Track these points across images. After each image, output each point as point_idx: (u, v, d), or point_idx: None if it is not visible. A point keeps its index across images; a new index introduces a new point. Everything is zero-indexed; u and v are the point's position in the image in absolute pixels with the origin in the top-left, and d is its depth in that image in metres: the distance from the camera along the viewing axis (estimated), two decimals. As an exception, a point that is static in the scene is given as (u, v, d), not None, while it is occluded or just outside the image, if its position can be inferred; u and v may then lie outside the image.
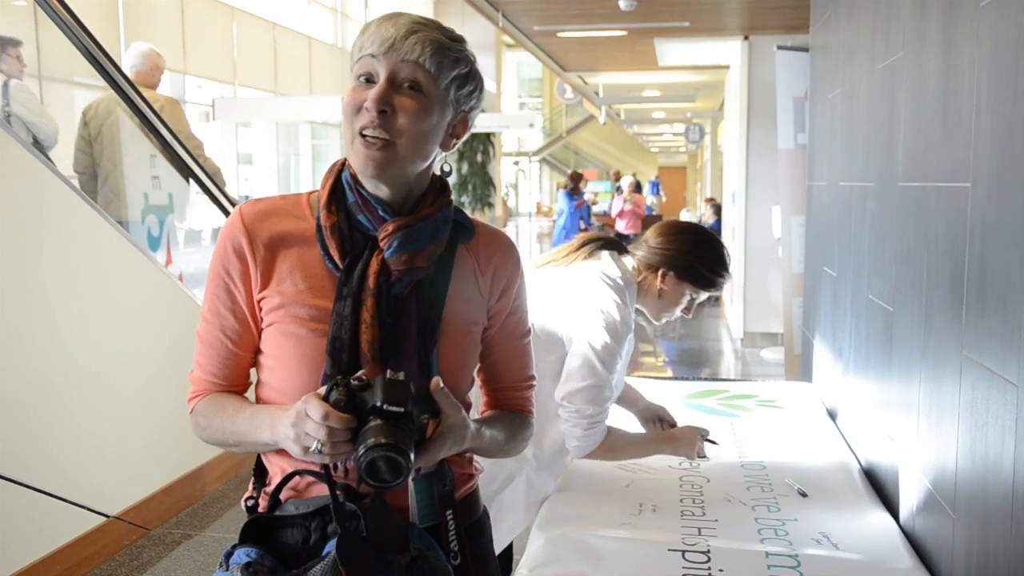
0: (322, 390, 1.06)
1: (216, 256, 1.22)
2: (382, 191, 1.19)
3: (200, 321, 1.24)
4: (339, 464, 1.16)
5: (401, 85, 1.13)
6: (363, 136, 1.13)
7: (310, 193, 1.26)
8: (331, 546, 1.09)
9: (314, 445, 1.03)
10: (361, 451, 1.00)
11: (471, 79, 1.20)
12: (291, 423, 1.05)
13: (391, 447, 0.99)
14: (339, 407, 1.03)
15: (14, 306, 2.90)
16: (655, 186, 21.15)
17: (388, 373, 1.06)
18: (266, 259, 1.20)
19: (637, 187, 13.66)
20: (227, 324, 1.22)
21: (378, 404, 1.02)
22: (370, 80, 1.14)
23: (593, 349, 1.90)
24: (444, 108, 1.17)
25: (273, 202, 1.24)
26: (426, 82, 1.14)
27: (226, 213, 4.47)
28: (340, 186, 1.22)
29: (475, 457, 1.34)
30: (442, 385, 1.10)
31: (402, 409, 1.02)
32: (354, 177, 1.21)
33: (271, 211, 1.22)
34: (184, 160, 4.10)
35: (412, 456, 1.02)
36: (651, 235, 2.17)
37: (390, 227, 1.17)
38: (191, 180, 4.33)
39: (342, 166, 1.24)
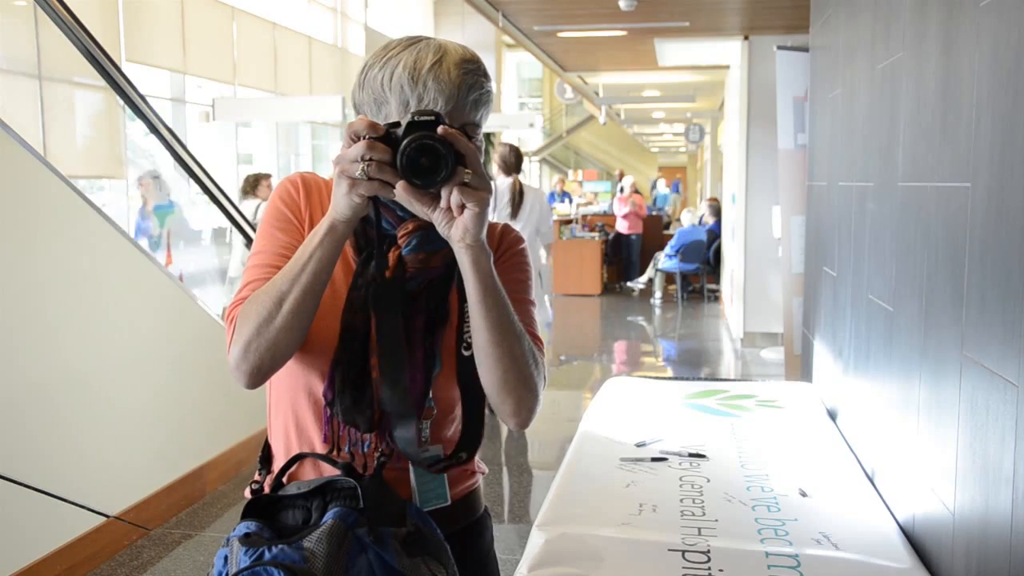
0: None
1: (274, 199, 1.26)
2: None
3: (251, 256, 1.24)
4: (342, 447, 1.19)
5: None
6: None
7: None
8: (328, 516, 1.10)
9: (359, 169, 1.03)
10: (402, 144, 1.03)
11: (491, 106, 1.25)
12: (335, 160, 1.07)
13: (428, 136, 1.03)
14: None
15: (13, 306, 2.90)
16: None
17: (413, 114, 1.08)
18: (314, 211, 1.24)
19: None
20: (284, 246, 1.22)
21: (411, 119, 1.05)
22: None
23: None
24: (482, 143, 1.22)
25: (324, 180, 1.28)
26: (475, 132, 1.19)
27: (227, 214, 4.47)
28: None
29: (477, 457, 1.35)
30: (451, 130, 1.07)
31: (432, 118, 1.05)
32: None
33: (323, 183, 1.27)
34: (187, 162, 4.10)
35: (453, 154, 1.03)
36: (504, 158, 4.92)
37: (410, 226, 1.20)
38: (192, 181, 4.33)
39: None
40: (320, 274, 1.12)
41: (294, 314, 1.11)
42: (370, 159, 1.03)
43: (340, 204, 1.07)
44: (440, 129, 1.04)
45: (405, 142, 1.03)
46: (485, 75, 1.19)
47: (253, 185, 6.62)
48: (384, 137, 1.05)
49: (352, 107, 1.24)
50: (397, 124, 1.07)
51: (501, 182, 5.05)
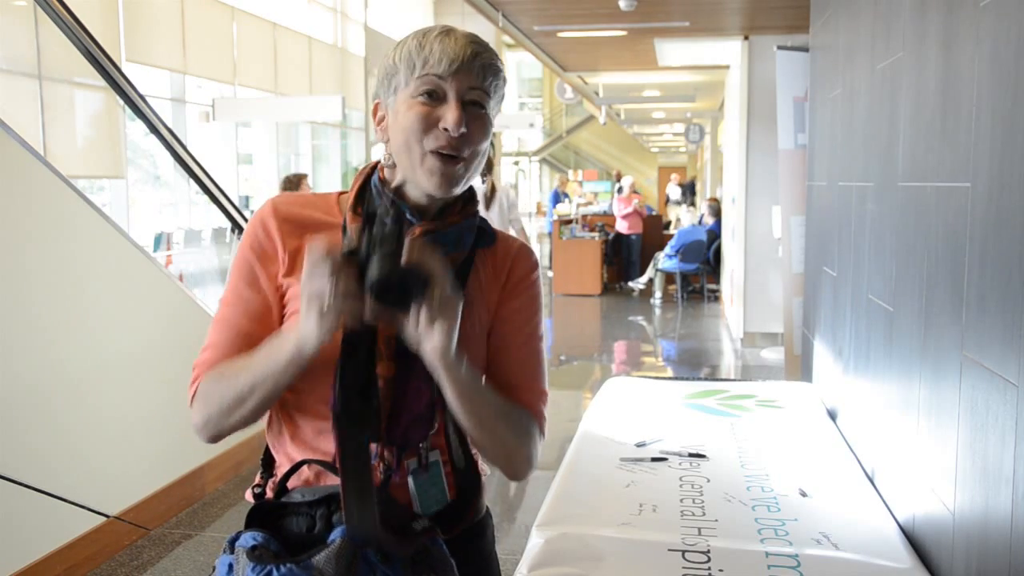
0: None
1: (244, 242, 1.24)
2: (435, 201, 1.22)
3: (220, 307, 1.25)
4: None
5: (467, 103, 1.17)
6: (439, 154, 1.16)
7: (340, 193, 1.29)
8: (336, 534, 1.10)
9: (327, 300, 1.03)
10: (370, 271, 1.02)
11: (503, 96, 1.25)
12: (302, 288, 1.06)
13: (395, 264, 1.03)
14: None
15: (13, 306, 2.90)
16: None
17: (376, 224, 1.07)
18: (293, 247, 1.22)
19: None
20: (250, 307, 1.22)
21: (375, 239, 1.05)
22: (433, 95, 1.17)
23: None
24: (493, 121, 1.23)
25: (304, 198, 1.27)
26: (486, 101, 1.19)
27: (227, 214, 4.47)
28: (368, 190, 1.24)
29: (479, 458, 1.35)
30: (417, 248, 1.06)
31: (397, 239, 1.05)
32: (383, 182, 1.24)
33: (301, 203, 1.25)
34: (186, 161, 4.10)
35: (422, 278, 1.03)
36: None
37: (417, 231, 1.19)
38: (192, 180, 4.33)
39: (372, 170, 1.26)
40: (283, 388, 1.16)
41: (254, 411, 1.18)
42: (337, 287, 1.02)
43: (309, 334, 1.07)
44: (405, 249, 1.04)
45: (372, 273, 1.02)
46: (496, 57, 1.20)
47: (295, 185, 6.67)
48: (348, 256, 1.04)
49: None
50: (356, 247, 1.06)
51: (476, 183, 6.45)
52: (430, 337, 1.07)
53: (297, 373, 1.14)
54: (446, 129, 1.15)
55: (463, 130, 1.15)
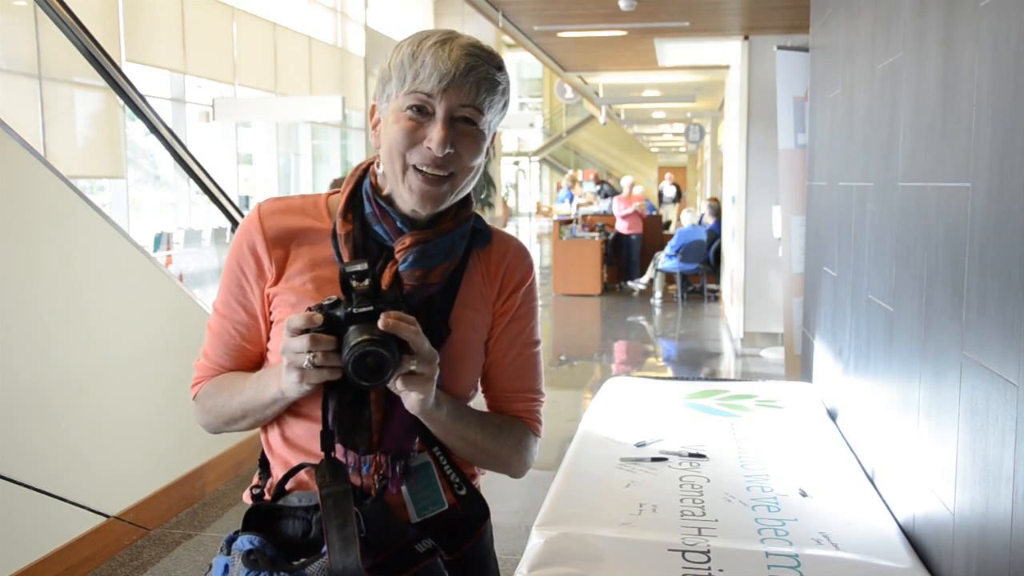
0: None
1: (232, 252, 1.24)
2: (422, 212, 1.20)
3: (212, 312, 1.27)
4: (350, 463, 1.18)
5: (457, 120, 1.15)
6: (420, 171, 1.15)
7: (329, 194, 1.28)
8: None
9: (305, 360, 1.05)
10: (346, 352, 1.04)
11: (507, 103, 1.22)
12: (281, 351, 1.08)
13: (370, 342, 1.04)
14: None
15: (13, 306, 2.90)
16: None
17: (353, 283, 1.09)
18: (280, 256, 1.22)
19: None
20: (238, 318, 1.25)
21: (349, 311, 1.07)
22: (422, 111, 1.14)
23: None
24: (488, 135, 1.20)
25: (291, 201, 1.26)
26: (478, 118, 1.16)
27: (227, 215, 4.47)
28: (359, 194, 1.23)
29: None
30: (391, 318, 1.07)
31: (371, 308, 1.06)
32: (374, 187, 1.22)
33: (288, 209, 1.25)
34: (186, 161, 4.10)
35: (396, 351, 1.05)
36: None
37: (407, 240, 1.18)
38: (192, 180, 4.33)
39: (364, 173, 1.25)
40: (274, 415, 1.21)
41: (250, 427, 1.25)
42: (315, 351, 1.05)
43: (289, 389, 1.11)
44: (380, 322, 1.05)
45: (351, 343, 1.04)
46: (496, 66, 1.17)
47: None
48: (325, 323, 1.06)
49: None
50: (337, 303, 1.08)
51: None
52: (407, 397, 1.10)
53: (284, 407, 1.19)
54: (430, 148, 1.13)
55: (449, 150, 1.13)
